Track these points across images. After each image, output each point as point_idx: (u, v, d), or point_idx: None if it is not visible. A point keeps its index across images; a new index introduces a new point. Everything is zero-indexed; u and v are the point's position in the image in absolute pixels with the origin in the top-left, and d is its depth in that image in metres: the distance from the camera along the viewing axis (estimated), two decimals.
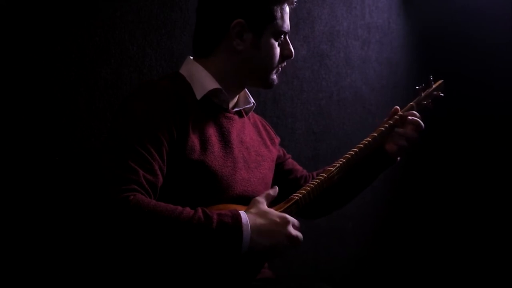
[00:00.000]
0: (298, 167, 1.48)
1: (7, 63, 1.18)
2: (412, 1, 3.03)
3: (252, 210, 1.08)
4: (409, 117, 1.38)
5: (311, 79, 2.20)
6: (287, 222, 1.08)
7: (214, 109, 1.22)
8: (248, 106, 1.31)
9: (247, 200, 1.20)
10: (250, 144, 1.28)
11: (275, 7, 1.20)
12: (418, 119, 1.38)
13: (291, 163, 1.46)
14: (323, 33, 2.26)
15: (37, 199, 1.24)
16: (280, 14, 1.21)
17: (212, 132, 1.18)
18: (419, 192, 3.13)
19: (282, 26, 1.22)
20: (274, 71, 1.26)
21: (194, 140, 1.12)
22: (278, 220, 1.07)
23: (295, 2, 1.26)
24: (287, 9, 1.24)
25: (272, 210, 1.09)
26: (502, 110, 2.94)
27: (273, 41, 1.22)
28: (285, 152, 1.47)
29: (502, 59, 2.95)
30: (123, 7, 1.41)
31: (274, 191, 1.15)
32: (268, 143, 1.36)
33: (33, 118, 1.23)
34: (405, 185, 3.03)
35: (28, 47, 1.22)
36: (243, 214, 1.03)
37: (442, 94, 1.55)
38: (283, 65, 1.28)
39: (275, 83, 1.28)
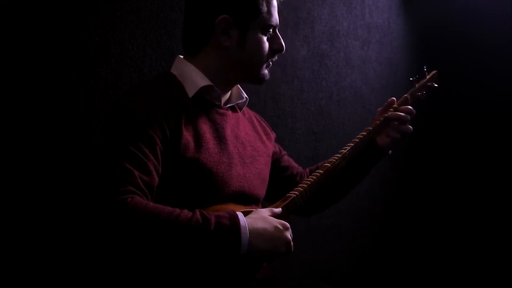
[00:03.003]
0: (294, 164, 1.48)
1: (7, 63, 1.18)
2: (412, 1, 3.02)
3: (252, 215, 1.09)
4: (399, 113, 1.38)
5: (311, 79, 2.20)
6: (287, 228, 1.10)
7: (206, 106, 1.21)
8: (241, 101, 1.31)
9: (243, 197, 1.20)
10: (246, 139, 1.28)
11: (261, 1, 1.19)
12: (407, 115, 1.38)
13: (287, 159, 1.46)
14: (323, 33, 2.26)
15: (37, 199, 1.24)
16: (266, 8, 1.19)
17: (206, 129, 1.17)
18: (418, 191, 3.13)
19: (269, 20, 1.20)
20: (264, 65, 1.24)
21: (188, 138, 1.12)
22: (279, 226, 1.09)
23: None
24: (274, 2, 1.22)
25: (272, 218, 1.10)
26: (502, 110, 2.93)
27: (260, 35, 1.20)
28: (281, 148, 1.47)
29: (502, 59, 2.94)
30: (123, 7, 1.41)
31: (279, 210, 1.15)
32: (264, 138, 1.36)
33: (33, 118, 1.23)
34: (403, 184, 3.03)
35: (28, 47, 1.22)
36: (240, 216, 1.03)
37: (437, 85, 1.53)
38: (274, 59, 1.26)
39: (266, 78, 1.26)
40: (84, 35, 1.32)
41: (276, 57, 1.27)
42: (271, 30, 1.22)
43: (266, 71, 1.26)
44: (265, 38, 1.21)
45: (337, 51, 2.36)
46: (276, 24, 1.23)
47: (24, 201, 1.22)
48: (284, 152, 1.47)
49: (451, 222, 3.10)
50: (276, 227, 1.08)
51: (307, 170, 1.48)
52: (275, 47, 1.24)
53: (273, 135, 1.42)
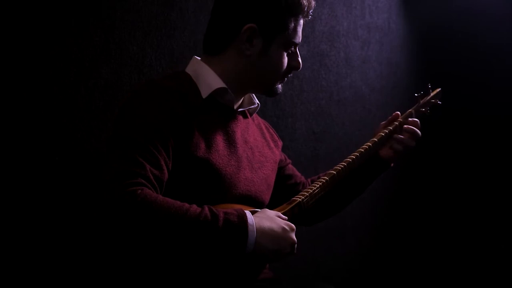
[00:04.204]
0: (297, 173, 1.48)
1: (7, 63, 1.18)
2: (412, 1, 3.03)
3: (259, 214, 1.09)
4: (407, 126, 1.41)
5: (311, 79, 2.20)
6: (293, 229, 1.11)
7: (219, 108, 1.22)
8: (252, 106, 1.31)
9: (249, 200, 1.20)
10: (254, 144, 1.28)
11: (289, 18, 1.20)
12: (416, 128, 1.41)
13: (291, 168, 1.47)
14: (323, 33, 2.26)
15: (37, 199, 1.24)
16: (293, 25, 1.20)
17: (217, 131, 1.18)
18: (419, 191, 3.14)
19: (293, 37, 1.21)
20: (279, 80, 1.26)
21: (199, 138, 1.13)
22: (285, 226, 1.09)
23: (310, 15, 1.25)
24: (301, 21, 1.23)
25: (279, 218, 1.10)
26: (502, 110, 2.94)
27: (282, 50, 1.21)
28: (286, 157, 1.48)
29: (502, 59, 2.95)
30: (123, 7, 1.41)
31: (285, 218, 1.15)
32: (272, 145, 1.37)
33: (33, 118, 1.23)
34: (405, 184, 3.04)
35: (28, 47, 1.22)
36: (248, 214, 1.04)
37: (440, 102, 1.57)
38: (289, 75, 1.28)
39: (278, 92, 1.28)
40: (84, 35, 1.32)
41: (291, 74, 1.28)
42: (292, 47, 1.24)
43: (279, 86, 1.27)
44: (285, 54, 1.23)
45: (337, 51, 2.36)
46: (299, 42, 1.24)
47: (24, 200, 1.22)
48: (289, 161, 1.48)
49: (452, 223, 3.10)
50: (283, 228, 1.08)
51: (309, 180, 1.49)
52: (293, 64, 1.25)
53: (280, 143, 1.42)
